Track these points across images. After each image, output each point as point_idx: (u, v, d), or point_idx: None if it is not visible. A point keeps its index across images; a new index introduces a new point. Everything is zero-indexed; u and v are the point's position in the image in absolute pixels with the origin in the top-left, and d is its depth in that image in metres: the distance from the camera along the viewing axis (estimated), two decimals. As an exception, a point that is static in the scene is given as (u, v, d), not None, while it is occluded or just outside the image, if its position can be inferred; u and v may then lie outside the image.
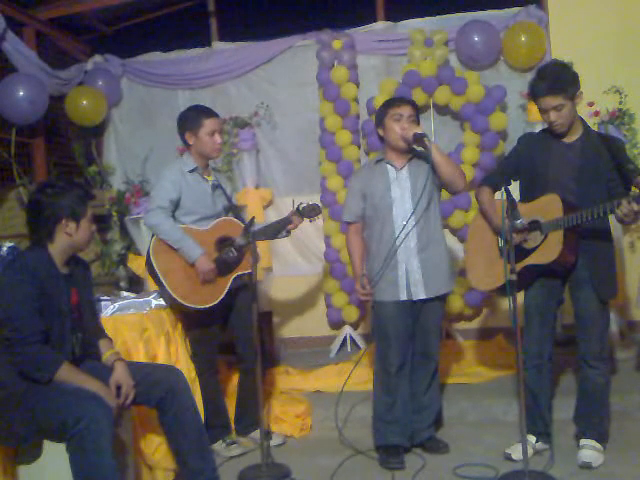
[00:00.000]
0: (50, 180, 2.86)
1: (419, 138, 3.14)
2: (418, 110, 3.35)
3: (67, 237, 2.66)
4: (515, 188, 3.15)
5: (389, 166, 3.31)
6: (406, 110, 3.25)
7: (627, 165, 2.96)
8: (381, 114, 3.32)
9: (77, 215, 2.66)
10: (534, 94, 3.04)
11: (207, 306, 3.37)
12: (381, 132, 3.33)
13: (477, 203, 3.36)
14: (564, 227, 2.96)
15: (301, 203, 3.68)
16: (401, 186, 3.26)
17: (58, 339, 2.62)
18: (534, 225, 3.07)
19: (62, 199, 2.64)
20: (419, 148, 3.25)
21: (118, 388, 2.69)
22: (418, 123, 3.28)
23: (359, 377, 3.90)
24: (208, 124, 3.46)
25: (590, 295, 3.05)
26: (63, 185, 2.70)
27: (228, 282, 3.45)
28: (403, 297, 3.25)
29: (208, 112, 3.53)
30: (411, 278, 3.25)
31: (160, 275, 3.34)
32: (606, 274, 3.08)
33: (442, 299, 3.37)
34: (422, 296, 3.25)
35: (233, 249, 3.45)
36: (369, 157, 5.10)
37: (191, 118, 3.50)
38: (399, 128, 3.22)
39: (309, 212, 3.68)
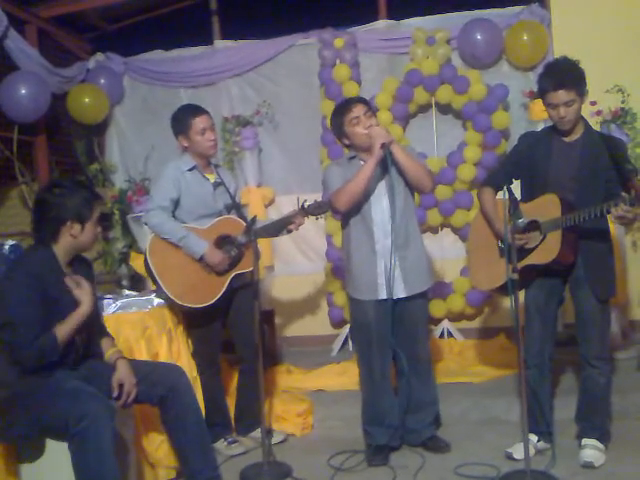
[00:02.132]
0: (58, 180, 2.85)
1: (387, 147, 3.10)
2: (369, 103, 3.33)
3: (71, 238, 2.65)
4: (516, 187, 3.14)
5: (363, 163, 3.26)
6: (359, 110, 3.21)
7: (626, 165, 2.96)
8: (338, 124, 3.27)
9: (82, 217, 2.65)
10: (545, 89, 2.98)
11: (203, 305, 3.36)
12: (347, 141, 3.29)
13: (480, 205, 3.34)
14: (562, 227, 2.95)
15: (305, 200, 3.65)
16: (390, 181, 3.22)
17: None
18: (533, 225, 3.07)
19: (68, 200, 2.63)
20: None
21: (120, 386, 2.69)
22: (375, 115, 3.27)
23: (360, 376, 3.90)
24: (196, 123, 3.43)
25: (588, 294, 3.05)
26: (71, 186, 2.69)
27: (226, 281, 3.44)
28: (383, 295, 3.23)
29: (195, 111, 3.49)
30: (390, 276, 3.22)
31: (156, 275, 3.33)
32: (603, 273, 3.07)
33: (424, 296, 3.35)
34: (402, 294, 3.23)
35: (234, 247, 3.45)
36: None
37: (180, 120, 3.47)
38: (362, 129, 3.18)
39: (315, 209, 3.62)
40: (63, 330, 2.55)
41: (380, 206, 3.24)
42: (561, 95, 2.93)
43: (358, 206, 3.24)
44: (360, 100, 3.31)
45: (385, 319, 3.24)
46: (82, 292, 2.64)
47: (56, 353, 2.53)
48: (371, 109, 3.27)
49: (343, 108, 3.27)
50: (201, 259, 3.38)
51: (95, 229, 2.72)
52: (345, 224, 3.36)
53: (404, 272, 3.23)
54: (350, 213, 3.28)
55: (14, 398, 2.51)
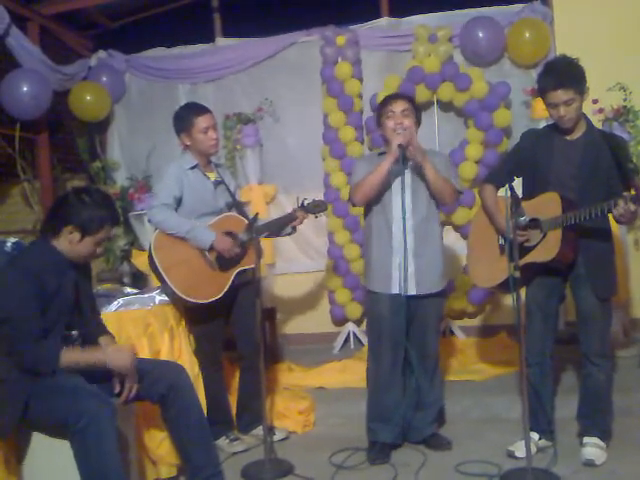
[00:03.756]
0: (93, 188, 2.90)
1: (403, 148, 3.15)
2: (414, 103, 3.35)
3: (68, 243, 2.66)
4: (518, 185, 3.14)
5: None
6: (398, 106, 3.25)
7: (627, 164, 2.96)
8: (378, 114, 3.35)
9: (86, 229, 2.65)
10: (544, 88, 2.99)
11: (209, 301, 3.37)
12: (380, 132, 3.35)
13: (481, 202, 3.35)
14: (563, 226, 2.95)
15: (305, 199, 3.68)
16: (403, 180, 3.25)
17: (59, 334, 2.62)
18: (534, 223, 3.06)
19: (84, 209, 2.64)
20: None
21: (121, 382, 2.69)
22: (415, 115, 3.28)
23: (362, 373, 3.89)
24: (199, 122, 3.44)
25: (589, 293, 3.05)
26: (98, 199, 2.70)
27: (230, 277, 3.45)
28: (395, 290, 3.25)
29: (198, 110, 3.50)
30: (404, 273, 3.24)
31: (162, 271, 3.33)
32: (603, 272, 3.08)
33: (439, 296, 3.36)
34: (412, 292, 3.25)
35: (237, 244, 3.45)
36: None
37: (182, 119, 3.49)
38: (393, 124, 3.23)
39: (314, 208, 3.68)
40: (69, 357, 2.55)
41: (400, 203, 3.24)
42: (560, 94, 2.93)
43: (379, 200, 3.28)
44: (404, 97, 3.36)
45: (400, 316, 3.25)
46: (117, 354, 2.63)
47: (50, 368, 2.52)
48: (413, 110, 3.29)
49: (386, 100, 3.34)
50: (210, 249, 3.38)
51: (94, 247, 2.71)
52: (366, 216, 3.40)
53: (418, 271, 3.26)
54: (372, 206, 3.33)
55: (12, 393, 2.51)
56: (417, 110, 3.33)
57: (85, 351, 2.61)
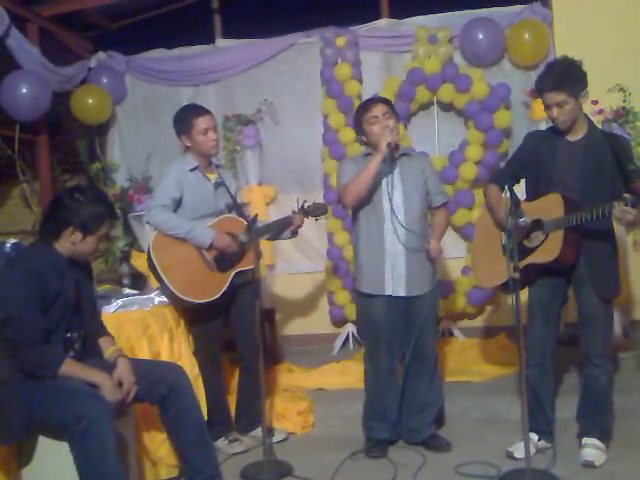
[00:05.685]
0: (84, 186, 2.91)
1: (391, 147, 3.18)
2: (391, 104, 3.38)
3: (70, 244, 2.67)
4: (521, 185, 3.15)
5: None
6: (379, 110, 3.27)
7: (628, 165, 2.95)
8: (357, 122, 3.34)
9: (87, 229, 2.66)
10: (539, 89, 3.03)
11: (207, 300, 3.37)
12: (364, 139, 3.34)
13: (485, 199, 3.36)
14: (565, 227, 2.95)
15: (305, 201, 3.68)
16: (392, 182, 3.25)
17: (59, 336, 2.63)
18: (536, 224, 3.06)
19: (81, 208, 2.64)
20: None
21: (120, 384, 2.69)
22: (395, 116, 3.32)
23: (361, 374, 3.89)
24: (199, 123, 3.45)
25: (591, 294, 3.05)
26: (92, 196, 2.70)
27: (229, 278, 3.45)
28: (388, 292, 3.28)
29: (198, 111, 3.51)
30: (395, 274, 3.27)
31: (160, 271, 3.34)
32: (606, 273, 3.07)
33: (432, 294, 3.35)
34: (402, 293, 3.28)
35: (236, 245, 3.46)
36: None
37: (182, 120, 3.49)
38: (379, 128, 3.24)
39: (314, 211, 3.69)
40: (70, 369, 2.56)
41: (394, 203, 3.25)
42: (552, 96, 2.95)
43: (370, 201, 3.29)
44: (382, 100, 3.38)
45: (394, 316, 3.28)
46: (112, 390, 2.60)
47: (51, 373, 2.53)
48: (393, 111, 3.33)
49: (364, 106, 3.36)
50: (210, 247, 3.39)
51: (96, 244, 2.72)
52: (355, 218, 3.40)
53: (409, 273, 3.27)
54: (362, 207, 3.33)
55: (9, 395, 2.51)
56: (395, 111, 3.37)
57: (86, 368, 2.61)
